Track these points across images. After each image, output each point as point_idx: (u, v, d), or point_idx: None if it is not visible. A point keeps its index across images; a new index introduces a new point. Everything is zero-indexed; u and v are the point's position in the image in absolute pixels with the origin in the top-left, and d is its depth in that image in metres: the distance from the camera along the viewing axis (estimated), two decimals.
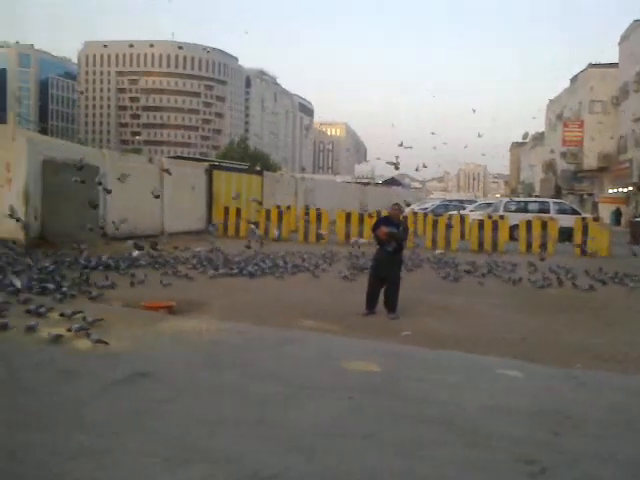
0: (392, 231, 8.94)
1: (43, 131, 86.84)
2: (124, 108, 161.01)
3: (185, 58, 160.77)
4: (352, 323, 8.24)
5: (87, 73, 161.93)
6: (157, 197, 13.17)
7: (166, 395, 4.83)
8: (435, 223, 19.90)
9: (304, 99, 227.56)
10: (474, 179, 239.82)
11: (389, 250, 8.98)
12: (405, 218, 18.88)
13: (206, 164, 23.69)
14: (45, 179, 14.69)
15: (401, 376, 5.70)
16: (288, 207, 22.47)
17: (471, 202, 37.19)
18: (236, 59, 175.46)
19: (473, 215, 24.20)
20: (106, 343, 6.09)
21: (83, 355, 5.89)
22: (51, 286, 9.06)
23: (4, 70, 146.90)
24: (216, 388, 5.08)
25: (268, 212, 21.37)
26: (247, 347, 6.49)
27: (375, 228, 9.21)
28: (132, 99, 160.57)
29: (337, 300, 9.83)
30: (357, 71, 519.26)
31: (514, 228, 20.70)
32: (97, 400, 4.70)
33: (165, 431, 4.13)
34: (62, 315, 7.17)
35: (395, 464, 3.78)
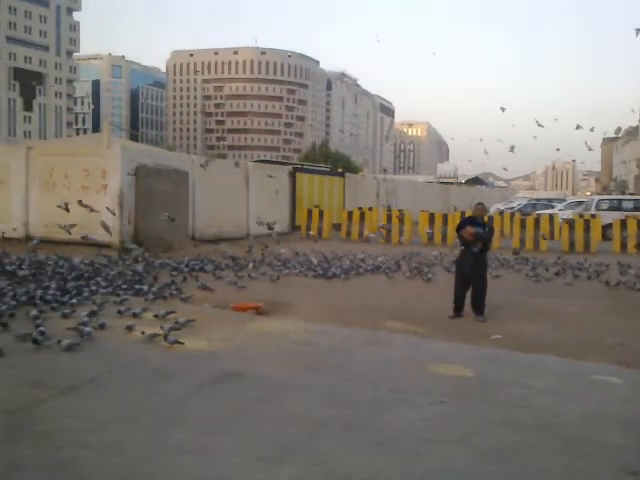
0: (478, 231, 8.74)
1: (134, 138, 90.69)
2: (209, 114, 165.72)
3: (268, 63, 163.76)
4: (439, 325, 8.11)
5: (175, 81, 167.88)
6: (172, 220, 13.35)
7: (258, 395, 4.91)
8: (523, 223, 19.30)
9: (385, 99, 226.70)
10: (562, 177, 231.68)
11: (475, 251, 8.78)
12: (490, 218, 18.44)
13: (289, 167, 23.98)
14: (138, 184, 15.29)
15: (493, 380, 5.55)
16: (370, 208, 22.42)
17: (560, 201, 35.86)
18: (317, 62, 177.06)
19: (563, 214, 23.32)
20: (181, 343, 6.24)
21: (176, 355, 6.08)
22: (145, 288, 9.40)
23: (98, 81, 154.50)
24: (306, 389, 5.12)
25: (350, 214, 21.41)
26: (335, 349, 6.51)
27: (460, 228, 9.03)
28: (217, 105, 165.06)
29: (422, 302, 9.71)
30: (439, 69, 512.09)
31: (607, 227, 19.77)
32: (191, 398, 4.84)
33: (258, 431, 4.20)
34: (156, 316, 7.43)
35: (491, 471, 3.68)
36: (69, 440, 3.97)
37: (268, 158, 61.23)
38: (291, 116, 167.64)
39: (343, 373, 5.62)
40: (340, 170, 31.51)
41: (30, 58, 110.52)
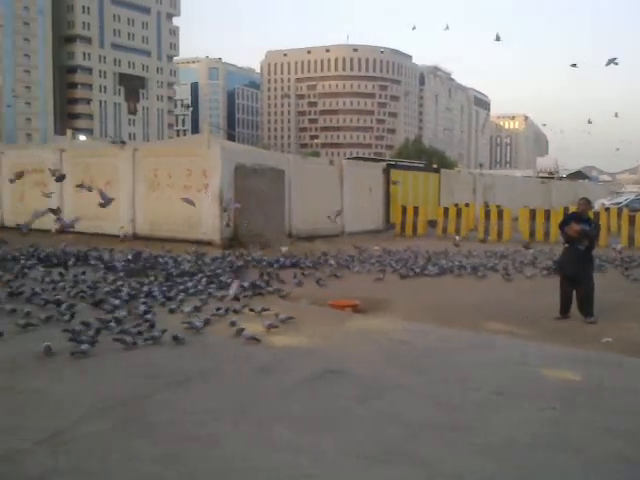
0: (584, 228, 8.32)
1: (231, 138, 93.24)
2: (303, 113, 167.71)
3: (360, 60, 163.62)
4: (544, 327, 7.79)
5: (269, 82, 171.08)
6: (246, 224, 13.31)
7: (359, 394, 4.90)
8: (632, 219, 18.25)
9: (480, 92, 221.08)
10: None
11: (581, 249, 8.37)
12: (596, 214, 17.57)
13: (383, 164, 23.85)
14: (236, 183, 15.69)
15: (605, 386, 5.27)
16: (467, 204, 21.92)
17: None
18: (410, 57, 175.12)
19: None
20: (258, 340, 6.32)
21: (277, 350, 6.18)
22: (245, 284, 9.61)
23: (196, 84, 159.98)
24: (407, 389, 5.05)
25: (446, 210, 21.03)
26: (434, 349, 6.40)
27: (564, 225, 8.63)
28: (310, 104, 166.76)
29: (524, 302, 9.36)
30: (537, 60, 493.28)
31: None
32: (294, 394, 4.90)
33: (360, 429, 4.18)
34: (252, 311, 7.59)
35: None
36: (178, 432, 4.11)
37: (361, 155, 61.18)
38: (383, 112, 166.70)
39: (444, 374, 5.51)
40: (435, 166, 31.02)
41: (133, 63, 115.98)
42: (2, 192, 18.83)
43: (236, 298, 8.33)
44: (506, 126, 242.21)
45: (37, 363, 5.57)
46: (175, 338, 6.17)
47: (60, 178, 13.60)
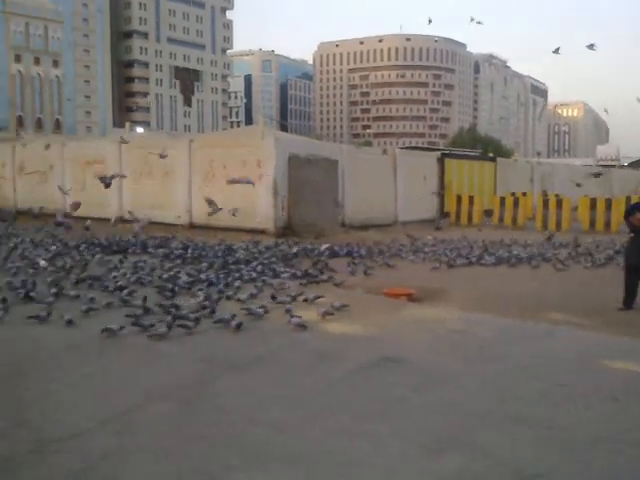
0: None
1: (283, 129, 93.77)
2: (355, 103, 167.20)
3: (413, 49, 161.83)
4: (607, 319, 7.54)
5: (321, 73, 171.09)
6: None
7: (417, 382, 4.86)
8: None
9: (537, 80, 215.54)
10: None
11: None
12: None
13: (437, 153, 23.55)
14: (290, 173, 15.77)
15: None
16: (524, 194, 21.43)
17: None
18: (464, 46, 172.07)
19: None
20: (305, 327, 6.33)
21: (334, 338, 6.18)
22: (298, 273, 9.66)
23: (249, 76, 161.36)
24: (466, 379, 4.98)
25: (502, 200, 20.62)
26: (493, 339, 6.28)
27: (628, 215, 8.33)
28: (363, 94, 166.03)
29: (586, 293, 9.09)
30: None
31: None
32: (351, 382, 4.89)
33: (420, 418, 4.15)
34: (305, 300, 7.61)
35: None
36: (240, 417, 4.17)
37: (413, 144, 60.58)
38: (437, 101, 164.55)
39: (503, 364, 5.40)
40: (491, 155, 30.43)
41: (188, 57, 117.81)
42: (65, 183, 19.41)
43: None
44: (564, 114, 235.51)
45: (101, 346, 5.74)
46: (238, 326, 6.23)
47: (108, 183, 13.82)
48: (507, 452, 3.65)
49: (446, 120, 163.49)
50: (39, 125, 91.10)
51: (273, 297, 7.58)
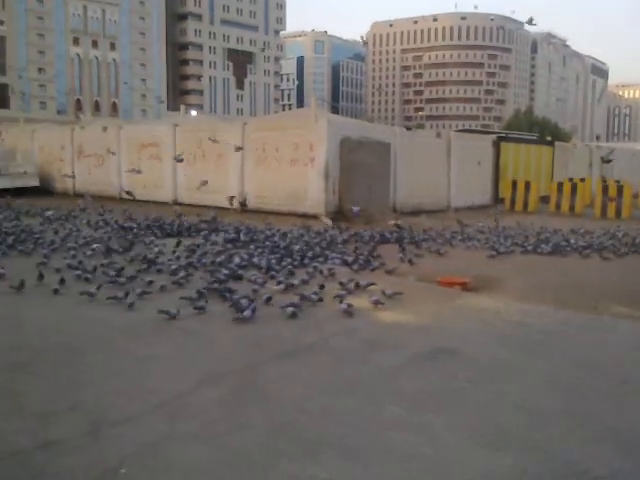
0: None
1: (334, 112, 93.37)
2: (408, 85, 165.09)
3: (468, 29, 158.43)
4: None
5: (374, 53, 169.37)
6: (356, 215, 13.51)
7: (472, 375, 4.74)
8: None
9: (597, 60, 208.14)
10: None
11: None
12: None
13: (493, 136, 22.99)
14: (342, 156, 15.65)
15: None
16: (582, 179, 20.75)
17: None
18: (522, 24, 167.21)
19: None
20: (350, 314, 6.25)
21: (386, 327, 6.10)
22: (349, 259, 9.58)
23: (302, 58, 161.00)
24: (524, 373, 4.83)
25: (560, 185, 20.02)
26: (552, 332, 6.08)
27: None
28: (415, 75, 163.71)
29: None
30: None
31: None
32: (404, 372, 4.81)
33: (475, 413, 4.04)
34: (357, 286, 7.52)
35: None
36: (290, 404, 4.14)
37: (467, 127, 59.44)
38: (492, 83, 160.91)
39: (563, 359, 5.22)
40: (549, 138, 29.56)
41: (242, 39, 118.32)
42: (122, 165, 19.81)
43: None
44: (625, 95, 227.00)
45: (155, 330, 5.81)
46: (293, 315, 6.21)
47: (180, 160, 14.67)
48: (569, 452, 3.51)
49: (501, 102, 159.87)
50: (97, 108, 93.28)
51: (322, 286, 7.44)
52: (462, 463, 3.41)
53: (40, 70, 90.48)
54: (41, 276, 7.50)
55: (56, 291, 7.05)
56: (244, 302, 6.36)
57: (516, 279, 8.95)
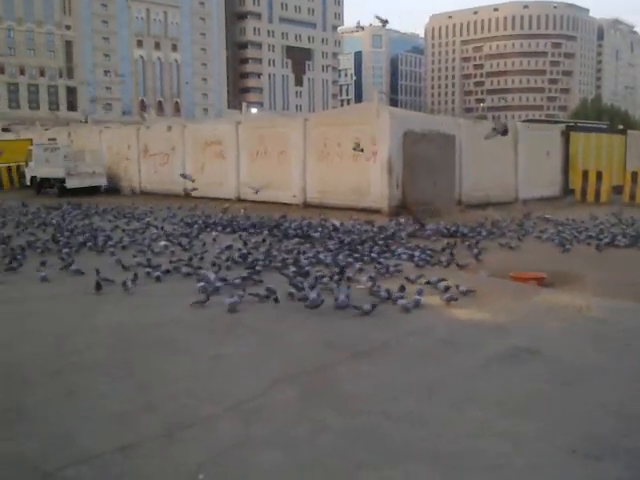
0: None
1: (394, 105, 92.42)
2: (468, 76, 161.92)
3: (531, 17, 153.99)
4: None
5: (433, 46, 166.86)
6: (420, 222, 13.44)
7: (558, 376, 4.45)
8: None
9: None
10: None
11: None
12: None
13: (561, 126, 22.15)
14: (405, 150, 15.36)
15: None
16: None
17: None
18: (587, 11, 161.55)
19: None
20: (407, 310, 6.06)
21: (462, 325, 5.86)
22: (416, 254, 9.32)
23: (359, 52, 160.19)
24: (613, 375, 4.52)
25: (634, 175, 19.10)
26: (638, 330, 5.71)
27: None
28: (476, 66, 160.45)
29: None
30: None
31: None
32: (484, 374, 4.58)
33: (566, 418, 3.77)
34: (428, 283, 7.28)
35: None
36: (366, 406, 3.98)
37: (530, 117, 57.76)
38: (556, 72, 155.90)
39: None
40: (621, 127, 28.31)
41: (300, 36, 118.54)
42: (186, 164, 20.08)
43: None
44: None
45: (225, 328, 5.76)
46: (366, 312, 6.04)
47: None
48: None
49: (566, 91, 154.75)
50: (160, 108, 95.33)
51: (402, 287, 7.18)
52: (558, 475, 3.17)
53: (106, 72, 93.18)
54: (98, 286, 7.18)
55: (126, 287, 7.09)
56: (314, 295, 6.24)
57: (594, 273, 8.50)
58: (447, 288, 6.93)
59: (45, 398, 4.14)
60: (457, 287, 6.88)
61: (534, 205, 16.73)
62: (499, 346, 5.17)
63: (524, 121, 27.91)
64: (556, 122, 27.92)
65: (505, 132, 15.49)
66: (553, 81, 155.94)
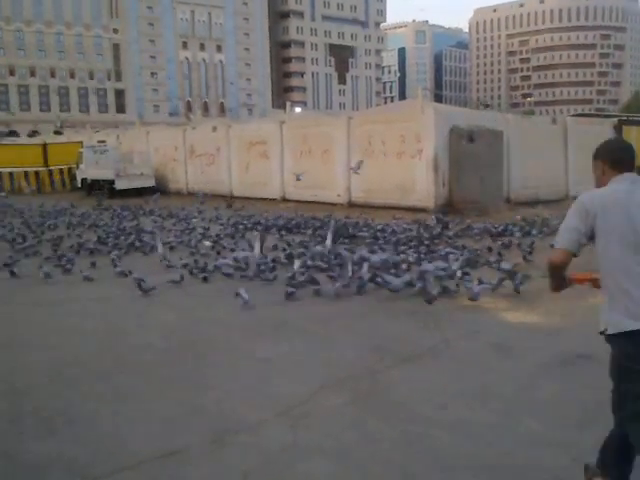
0: None
1: (438, 101, 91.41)
2: (514, 71, 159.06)
3: (578, 9, 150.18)
4: None
5: (477, 40, 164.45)
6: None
7: None
8: None
9: None
10: None
11: None
12: None
13: (614, 120, 21.48)
14: (451, 147, 15.10)
15: None
16: None
17: None
18: (636, 1, 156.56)
19: None
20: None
21: (512, 327, 5.69)
22: (465, 254, 9.13)
23: (403, 49, 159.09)
24: None
25: None
26: None
27: None
28: (522, 60, 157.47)
29: None
30: None
31: None
32: (538, 381, 4.41)
33: None
34: (480, 282, 7.10)
35: None
36: (416, 413, 3.88)
37: (579, 112, 56.36)
38: (606, 64, 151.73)
39: None
40: None
41: (343, 34, 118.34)
42: (231, 164, 20.22)
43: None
44: None
45: (273, 330, 5.72)
46: (430, 301, 5.96)
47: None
48: None
49: (616, 84, 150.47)
50: (205, 109, 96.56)
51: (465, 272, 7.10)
52: None
53: (152, 74, 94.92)
54: (140, 287, 7.20)
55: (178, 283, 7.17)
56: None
57: None
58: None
59: (93, 401, 4.17)
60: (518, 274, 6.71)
61: None
62: (553, 351, 5.00)
63: (573, 115, 27.18)
64: (607, 116, 27.10)
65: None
66: (603, 74, 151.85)
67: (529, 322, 5.88)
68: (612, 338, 2.73)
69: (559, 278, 2.91)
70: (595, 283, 7.70)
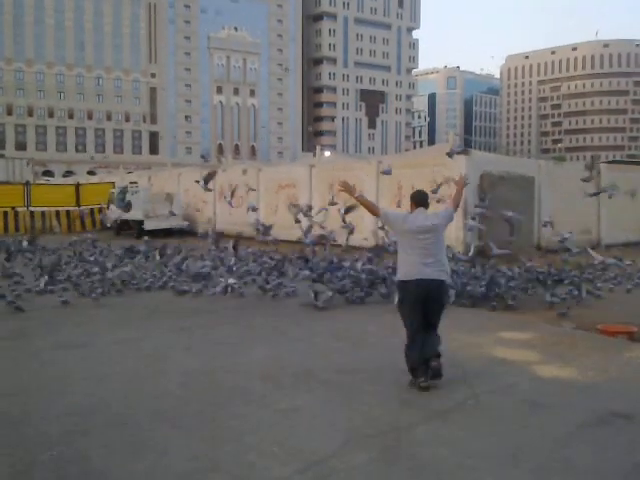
0: None
1: (468, 146, 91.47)
2: (545, 117, 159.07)
3: (611, 56, 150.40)
4: None
5: (509, 86, 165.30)
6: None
7: None
8: None
9: None
10: None
11: None
12: None
13: None
14: (482, 191, 14.95)
15: None
16: None
17: None
18: None
19: None
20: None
21: (546, 383, 5.45)
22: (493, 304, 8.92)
23: (434, 94, 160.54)
24: None
25: None
26: None
27: None
28: (553, 106, 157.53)
29: None
30: None
31: None
32: (573, 440, 4.18)
33: None
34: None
35: None
36: (443, 475, 3.69)
37: (611, 159, 55.73)
38: (638, 111, 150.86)
39: None
40: None
41: (374, 79, 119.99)
42: (260, 206, 20.30)
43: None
44: None
45: (295, 380, 5.55)
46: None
47: None
48: None
49: None
50: (237, 151, 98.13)
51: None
52: None
53: (186, 117, 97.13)
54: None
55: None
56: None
57: None
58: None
59: (109, 452, 4.04)
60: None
61: (619, 251, 15.88)
62: (589, 408, 4.75)
63: (608, 162, 26.87)
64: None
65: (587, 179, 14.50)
66: (635, 120, 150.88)
67: (563, 377, 5.63)
68: None
69: None
70: (630, 336, 7.44)
